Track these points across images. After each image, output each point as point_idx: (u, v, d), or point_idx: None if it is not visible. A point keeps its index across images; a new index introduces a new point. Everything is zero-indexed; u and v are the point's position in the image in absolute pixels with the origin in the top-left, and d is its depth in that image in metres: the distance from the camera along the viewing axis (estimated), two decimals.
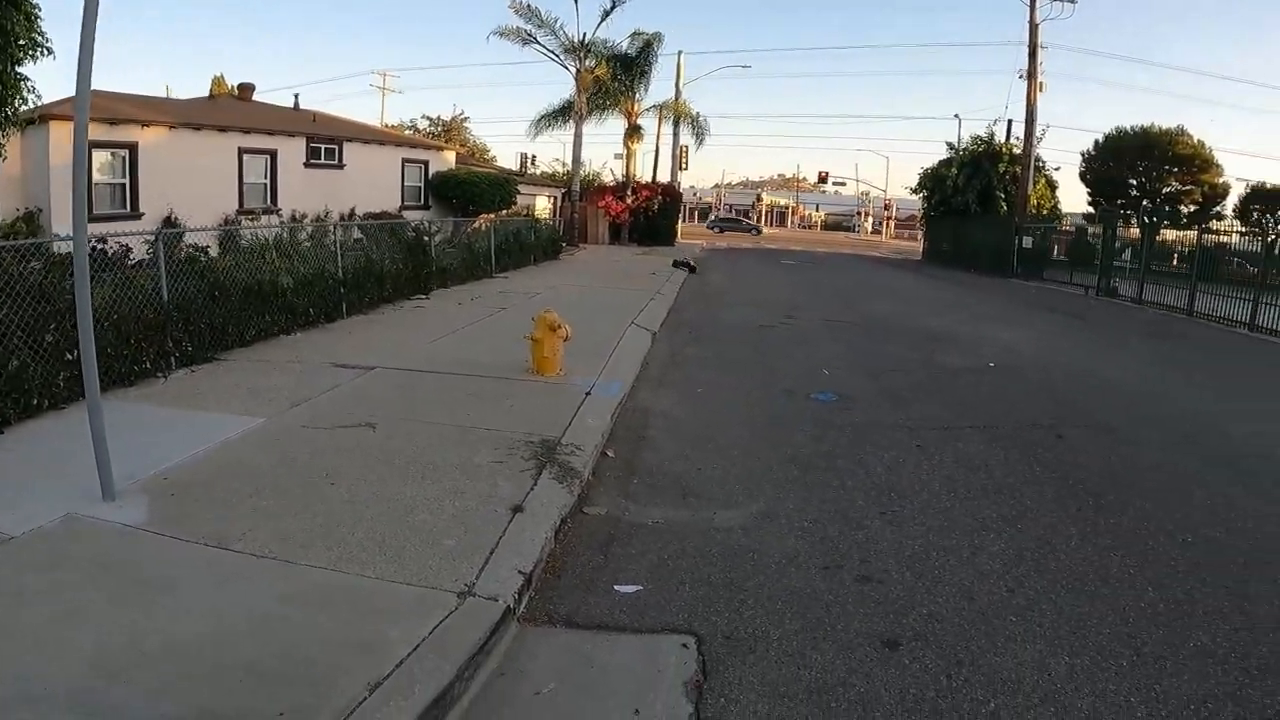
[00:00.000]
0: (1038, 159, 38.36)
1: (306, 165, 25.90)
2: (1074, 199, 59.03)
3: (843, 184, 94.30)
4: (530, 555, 4.88)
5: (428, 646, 3.77)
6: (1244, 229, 31.87)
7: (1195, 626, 4.61)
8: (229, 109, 27.36)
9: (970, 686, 3.93)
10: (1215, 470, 7.58)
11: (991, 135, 41.26)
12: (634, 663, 4.04)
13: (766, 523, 5.88)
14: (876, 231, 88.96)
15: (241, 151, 23.54)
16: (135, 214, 19.82)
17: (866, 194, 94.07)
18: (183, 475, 5.81)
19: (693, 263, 27.78)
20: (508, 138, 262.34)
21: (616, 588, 4.81)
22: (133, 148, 20.12)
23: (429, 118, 67.14)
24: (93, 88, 5.02)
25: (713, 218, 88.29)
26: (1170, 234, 29.64)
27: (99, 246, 9.13)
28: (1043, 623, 4.59)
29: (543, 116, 37.95)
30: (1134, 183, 50.13)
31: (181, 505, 5.30)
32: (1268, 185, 47.39)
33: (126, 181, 20.07)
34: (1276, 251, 20.34)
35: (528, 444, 6.82)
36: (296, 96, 34.26)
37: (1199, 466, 7.68)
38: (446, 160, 33.33)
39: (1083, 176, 51.85)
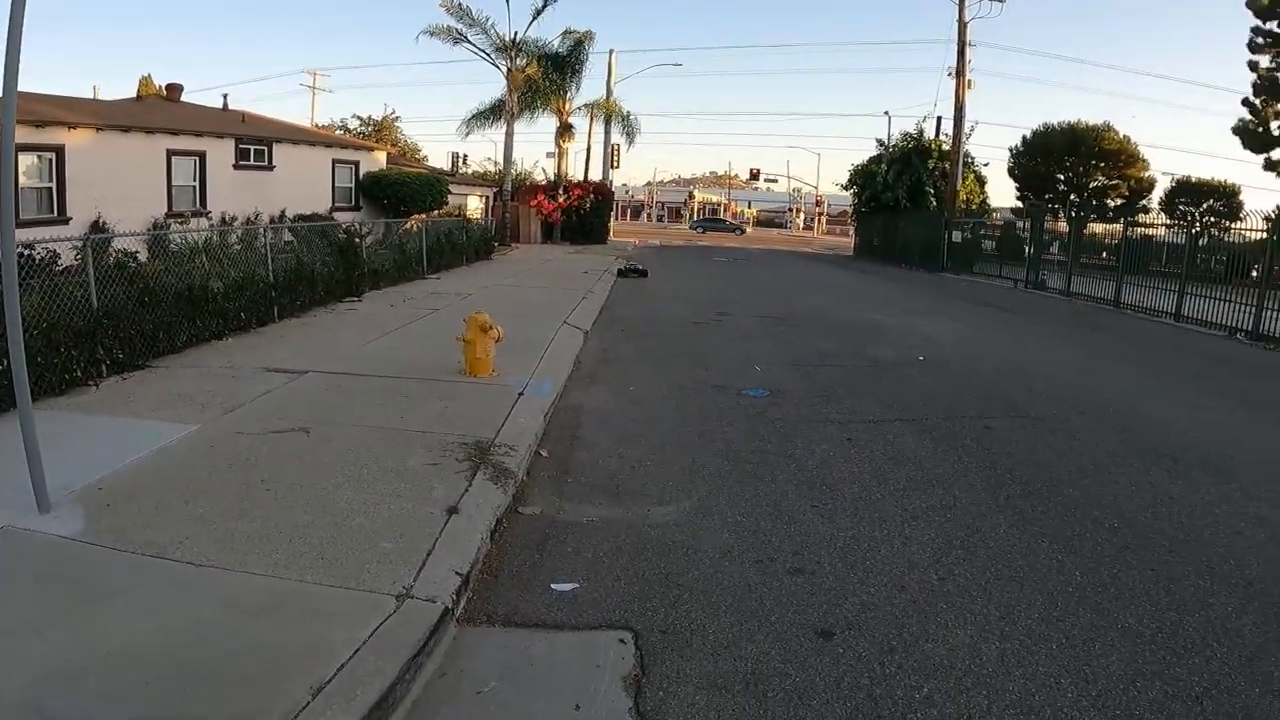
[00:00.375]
0: (967, 155, 39.35)
1: (236, 167, 25.49)
2: (1003, 194, 60.84)
3: (774, 181, 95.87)
4: (466, 556, 4.93)
5: (368, 649, 3.80)
6: (1169, 222, 32.90)
7: (1122, 608, 4.79)
8: (157, 110, 26.75)
9: (904, 673, 4.03)
10: (1141, 457, 7.87)
11: (921, 132, 42.23)
12: (573, 659, 4.10)
13: (700, 518, 5.97)
14: (808, 227, 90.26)
15: (170, 153, 23.02)
16: (63, 219, 19.16)
17: (798, 190, 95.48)
18: (118, 484, 5.74)
19: (642, 267, 26.75)
20: (439, 137, 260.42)
21: (553, 586, 4.85)
22: (59, 151, 19.54)
23: (360, 117, 66.40)
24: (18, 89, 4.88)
25: (694, 219, 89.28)
26: (1098, 227, 30.48)
27: (26, 253, 8.93)
28: (973, 609, 4.74)
29: (474, 116, 38.01)
30: (1061, 178, 51.53)
31: (118, 515, 5.23)
32: (1193, 179, 48.97)
33: (53, 185, 19.45)
34: (1201, 244, 21.10)
35: (462, 445, 6.84)
36: (225, 97, 33.57)
37: (1125, 454, 7.97)
38: (377, 160, 33.08)
39: (1011, 172, 53.14)
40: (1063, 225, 31.09)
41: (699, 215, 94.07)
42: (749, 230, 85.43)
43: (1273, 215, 18.99)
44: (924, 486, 6.82)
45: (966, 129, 37.91)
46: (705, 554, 5.35)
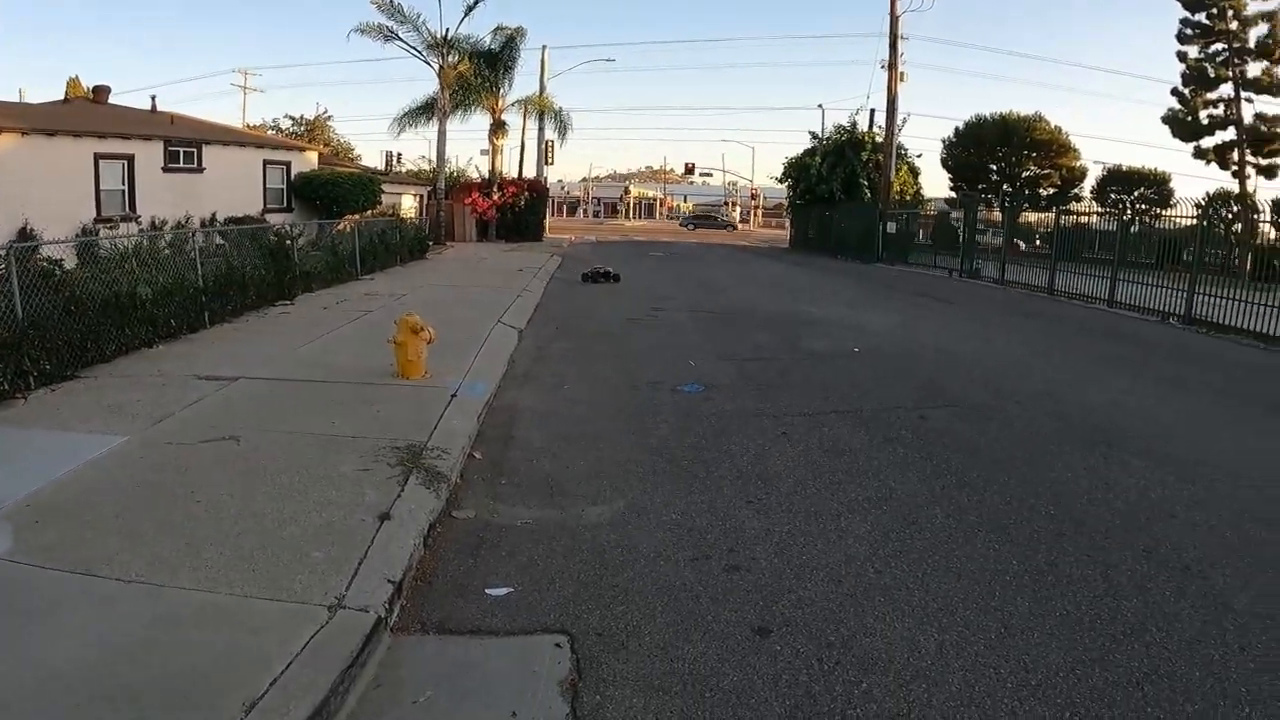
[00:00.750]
0: (900, 146, 40.04)
1: (165, 170, 25.15)
2: (937, 185, 61.79)
3: (709, 175, 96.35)
4: (399, 563, 4.88)
5: (301, 662, 3.76)
6: (1101, 210, 33.76)
7: (1060, 595, 4.87)
8: (84, 113, 26.35)
9: (842, 668, 4.04)
10: (1076, 443, 8.03)
11: (854, 124, 42.98)
12: (509, 665, 4.08)
13: (635, 517, 5.95)
14: (744, 221, 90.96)
15: (98, 157, 22.63)
16: None
17: (734, 184, 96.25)
18: (47, 499, 5.58)
19: (612, 270, 23.60)
20: (373, 136, 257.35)
21: (488, 591, 4.80)
22: None
23: (293, 117, 66.50)
24: None
25: (685, 215, 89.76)
26: (1031, 216, 31.18)
27: None
28: (911, 601, 4.77)
29: (406, 114, 37.86)
30: (994, 168, 52.90)
31: (46, 532, 5.08)
32: (1124, 167, 50.49)
33: None
34: (1133, 231, 21.67)
35: (394, 450, 6.75)
36: (154, 98, 32.85)
37: (1061, 440, 8.13)
38: (309, 161, 32.80)
39: (944, 163, 54.36)
40: (996, 214, 31.85)
41: (685, 213, 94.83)
42: (739, 227, 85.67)
43: (1203, 202, 19.57)
44: (860, 479, 6.87)
45: (899, 121, 38.57)
46: (640, 554, 5.32)
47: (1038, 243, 28.33)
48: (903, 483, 6.80)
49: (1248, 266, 19.17)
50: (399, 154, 58.52)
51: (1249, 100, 42.05)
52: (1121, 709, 3.77)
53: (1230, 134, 42.62)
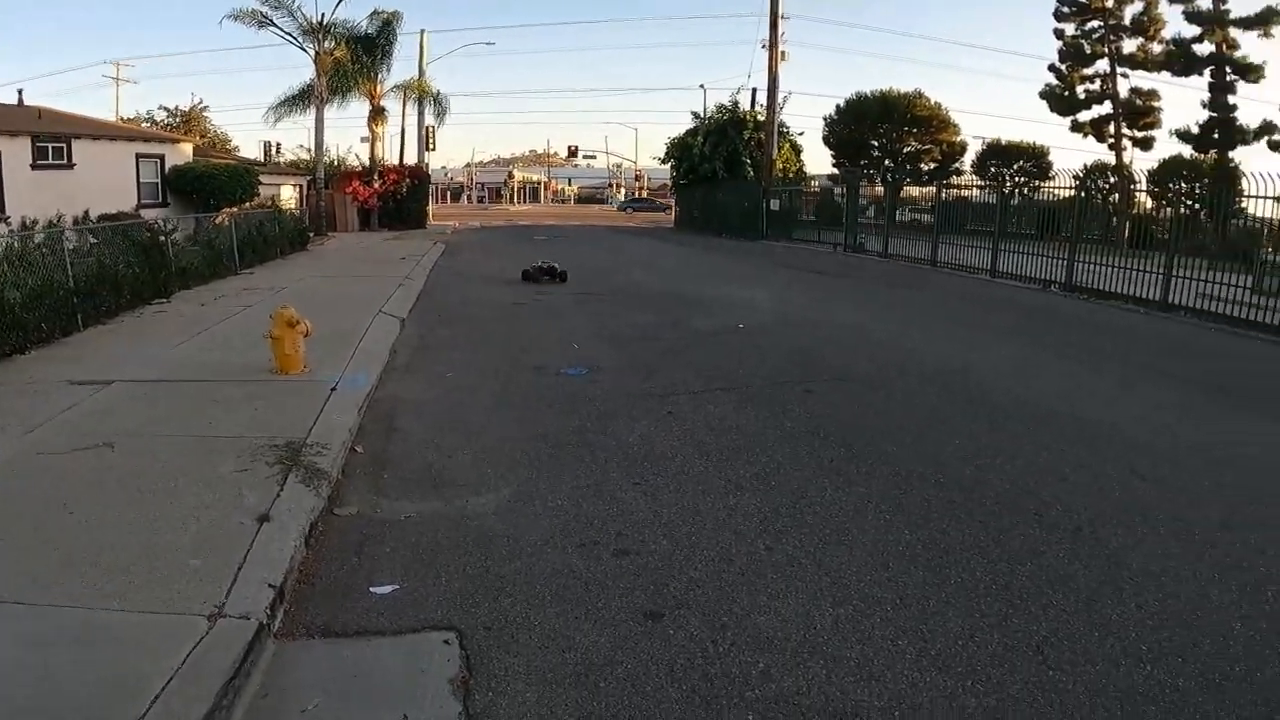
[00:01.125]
0: (782, 125, 40.69)
1: (34, 167, 24.58)
2: (819, 162, 63.14)
3: (593, 157, 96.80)
4: (280, 566, 4.70)
5: (182, 678, 3.58)
6: (982, 183, 34.83)
7: (954, 564, 4.93)
8: None
9: (737, 649, 4.00)
10: (963, 412, 8.23)
11: (736, 104, 43.48)
12: (397, 666, 3.96)
13: (521, 505, 5.84)
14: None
15: None
16: None
17: (618, 166, 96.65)
18: None
19: (558, 267, 19.56)
20: (250, 126, 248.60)
21: (373, 589, 4.64)
22: None
23: (167, 109, 64.65)
24: None
25: (622, 199, 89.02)
26: (913, 190, 31.98)
27: None
28: (803, 576, 4.77)
29: (282, 102, 36.90)
30: (876, 144, 54.31)
31: None
32: (1003, 141, 52.24)
33: None
34: (1013, 203, 22.39)
35: (273, 448, 6.51)
36: (20, 92, 31.48)
37: (947, 410, 8.31)
38: (184, 153, 31.94)
39: (826, 140, 55.45)
40: (879, 190, 32.62)
41: (627, 196, 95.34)
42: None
43: (1081, 174, 20.30)
44: (747, 455, 6.89)
45: (780, 99, 39.23)
46: (527, 542, 5.22)
47: (920, 216, 29.08)
48: (791, 458, 6.83)
49: (1126, 235, 20.01)
50: (278, 144, 57.40)
51: (1124, 75, 44.20)
52: (1023, 673, 3.82)
53: (1106, 108, 44.70)
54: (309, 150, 46.02)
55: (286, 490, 5.75)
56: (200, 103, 66.40)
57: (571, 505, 5.83)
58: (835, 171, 51.10)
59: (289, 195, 39.23)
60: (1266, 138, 38.85)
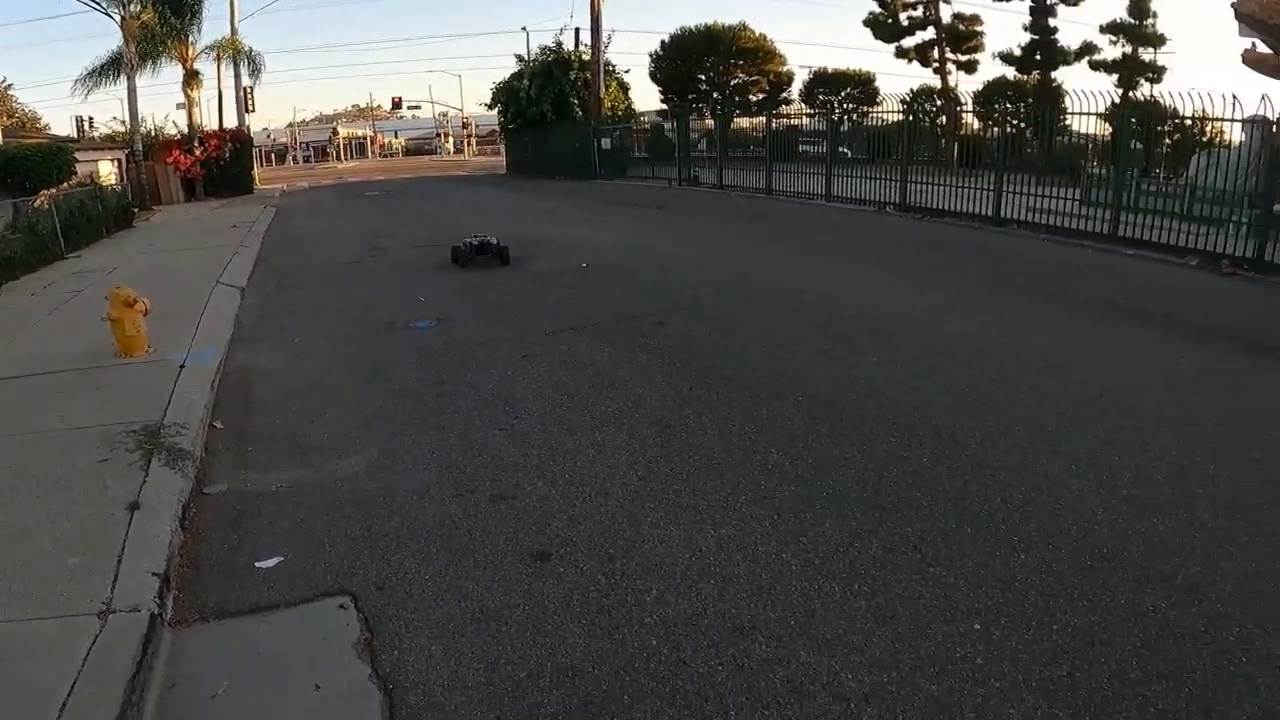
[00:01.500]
0: (608, 63, 40.63)
1: None
2: (648, 98, 63.25)
3: (418, 107, 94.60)
4: (160, 553, 4.55)
5: (86, 680, 3.46)
6: (811, 111, 35.65)
7: (824, 477, 5.17)
8: None
9: (629, 578, 4.12)
10: (813, 332, 8.56)
11: (560, 44, 43.12)
12: (298, 638, 3.91)
13: (390, 462, 5.80)
14: (459, 151, 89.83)
15: None
16: None
17: (444, 115, 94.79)
18: None
19: (495, 241, 14.10)
20: (59, 103, 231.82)
21: (258, 564, 4.54)
22: None
23: None
24: None
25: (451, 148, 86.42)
26: (744, 122, 32.50)
27: None
28: (680, 502, 4.92)
29: (91, 73, 34.66)
30: (703, 78, 54.82)
31: None
32: (829, 70, 53.45)
33: None
34: (844, 130, 23.07)
35: (130, 434, 6.21)
36: None
37: (798, 332, 8.61)
38: None
39: (653, 76, 55.68)
40: (709, 123, 32.97)
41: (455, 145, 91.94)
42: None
43: (907, 99, 21.03)
44: (607, 391, 7.02)
45: (605, 38, 39.05)
46: (403, 498, 5.20)
47: (751, 147, 29.65)
48: (651, 390, 6.98)
49: (955, 155, 20.88)
50: (90, 118, 54.28)
51: (946, 1, 45.62)
52: (905, 572, 4.06)
53: (930, 34, 46.04)
54: (124, 122, 43.75)
55: (152, 475, 5.55)
56: (4, 81, 62.81)
57: (441, 457, 5.83)
58: (665, 107, 51.53)
59: (108, 170, 37.14)
60: (1087, 58, 40.94)
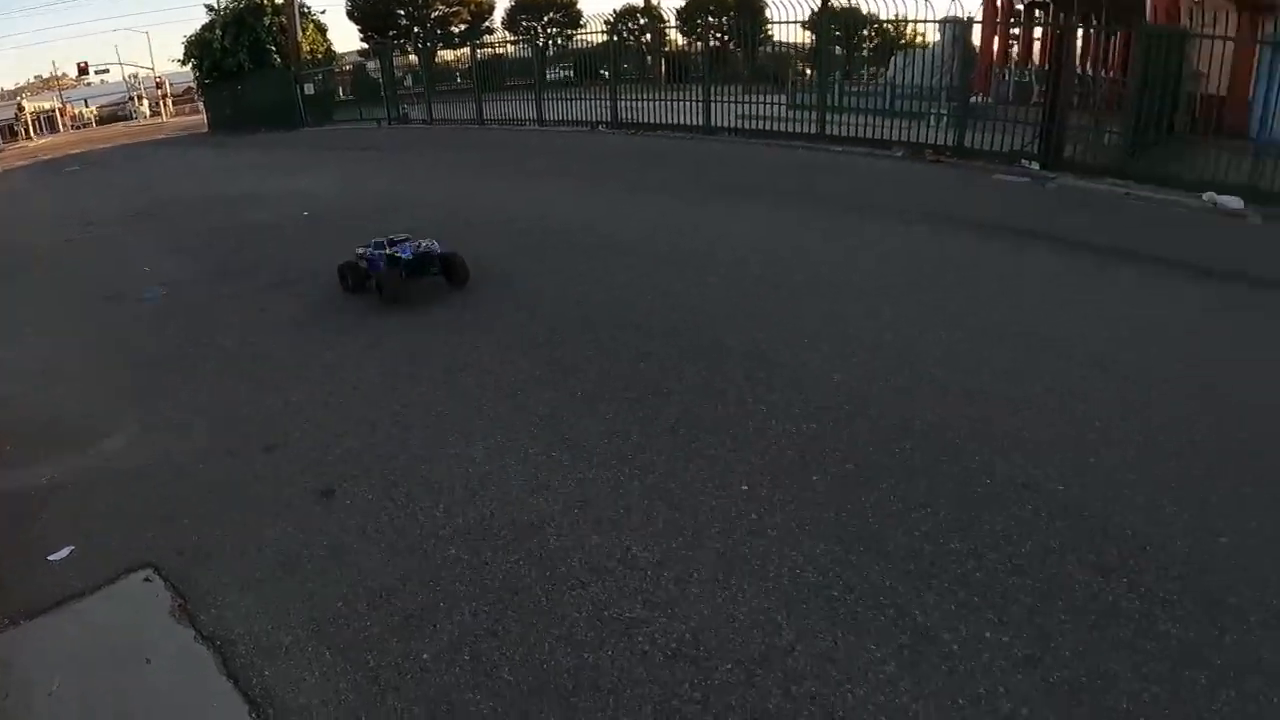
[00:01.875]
0: (303, 6, 39.25)
1: None
2: (349, 39, 61.29)
3: (105, 71, 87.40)
4: None
5: None
6: (515, 38, 35.74)
7: (569, 377, 5.61)
8: None
9: (415, 499, 4.38)
10: (523, 256, 8.93)
11: None
12: (114, 617, 3.88)
13: (154, 434, 5.68)
14: (156, 113, 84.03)
15: None
16: None
17: (135, 76, 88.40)
18: None
19: (434, 247, 9.99)
20: None
21: (50, 558, 4.38)
22: None
23: None
24: None
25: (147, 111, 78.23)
26: (448, 54, 32.26)
27: None
28: (444, 416, 5.32)
29: None
30: (402, 13, 53.42)
31: None
32: None
33: None
34: (550, 54, 23.47)
35: None
36: None
37: (507, 252, 8.99)
38: None
39: (350, 15, 53.87)
40: (413, 59, 32.49)
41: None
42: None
43: (611, 19, 21.62)
44: (352, 331, 7.23)
45: None
46: (176, 464, 5.15)
47: (459, 79, 29.66)
48: (391, 325, 7.28)
49: (663, 71, 21.72)
50: None
51: None
52: (666, 452, 4.52)
53: None
54: None
55: None
56: None
57: (201, 420, 5.77)
58: (366, 46, 50.20)
59: None
60: None
